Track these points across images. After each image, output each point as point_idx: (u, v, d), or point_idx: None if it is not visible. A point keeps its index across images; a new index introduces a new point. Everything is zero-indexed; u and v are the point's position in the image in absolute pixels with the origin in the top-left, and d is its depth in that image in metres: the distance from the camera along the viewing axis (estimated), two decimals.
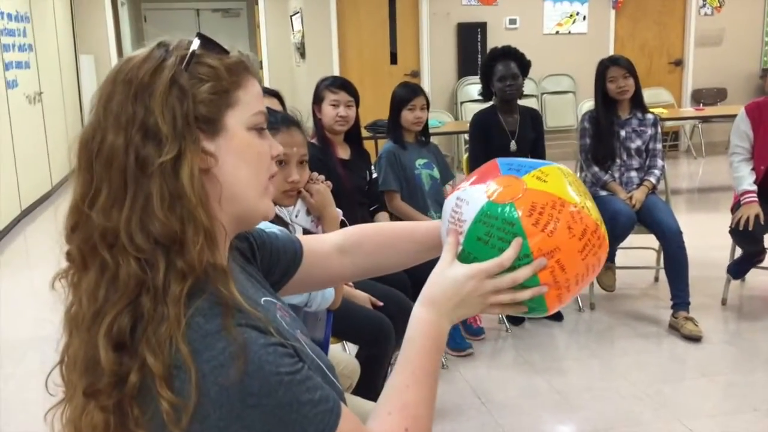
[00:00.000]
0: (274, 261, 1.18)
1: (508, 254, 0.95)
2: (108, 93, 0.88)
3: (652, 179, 3.66)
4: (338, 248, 1.25)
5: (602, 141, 3.66)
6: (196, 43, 0.89)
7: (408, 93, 3.28)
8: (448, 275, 0.99)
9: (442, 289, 0.99)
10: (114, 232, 0.84)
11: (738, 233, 3.52)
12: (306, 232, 2.04)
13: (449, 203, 1.04)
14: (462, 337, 3.27)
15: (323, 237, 1.30)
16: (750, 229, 3.39)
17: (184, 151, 0.85)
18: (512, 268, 0.95)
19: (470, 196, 1.00)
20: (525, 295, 0.96)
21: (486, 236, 0.96)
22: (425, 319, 0.98)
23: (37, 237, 5.75)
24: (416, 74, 8.21)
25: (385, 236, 1.27)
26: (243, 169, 0.92)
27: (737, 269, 3.79)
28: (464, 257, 0.99)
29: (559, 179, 1.00)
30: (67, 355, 0.90)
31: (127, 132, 0.85)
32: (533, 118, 3.70)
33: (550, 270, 0.95)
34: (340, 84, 3.01)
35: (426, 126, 3.39)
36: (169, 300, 0.82)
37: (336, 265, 1.25)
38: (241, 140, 0.91)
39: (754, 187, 3.52)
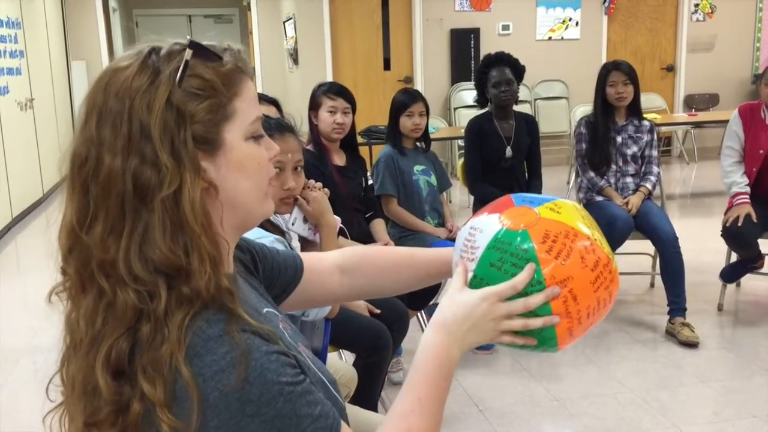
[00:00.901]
0: (275, 275, 1.17)
1: (521, 277, 0.94)
2: (100, 106, 0.84)
3: (648, 185, 3.66)
4: (338, 268, 1.25)
5: (598, 146, 3.65)
6: (188, 53, 0.85)
7: (406, 99, 3.26)
8: (459, 299, 0.97)
9: (453, 313, 0.97)
10: (112, 263, 0.81)
11: (730, 236, 3.52)
12: (303, 239, 2.03)
13: (463, 233, 1.05)
14: None
15: (324, 256, 1.29)
16: (739, 224, 3.39)
17: (184, 181, 0.82)
18: (524, 294, 0.95)
19: (484, 225, 1.01)
20: (537, 323, 0.95)
21: (499, 262, 0.97)
22: (435, 344, 0.96)
23: (28, 245, 5.70)
24: (409, 80, 8.21)
25: (386, 260, 1.27)
26: (243, 182, 0.90)
27: (731, 273, 3.78)
28: (476, 284, 0.99)
29: (571, 212, 1.02)
30: (66, 368, 0.88)
31: (124, 155, 0.82)
32: (529, 123, 3.70)
33: (562, 299, 0.95)
34: (338, 90, 2.97)
35: (426, 132, 3.37)
36: (172, 325, 0.80)
37: (335, 285, 1.25)
38: (240, 153, 0.89)
39: (747, 189, 3.53)
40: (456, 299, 0.98)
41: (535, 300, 0.94)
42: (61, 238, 0.86)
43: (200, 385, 0.78)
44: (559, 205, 1.03)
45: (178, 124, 0.83)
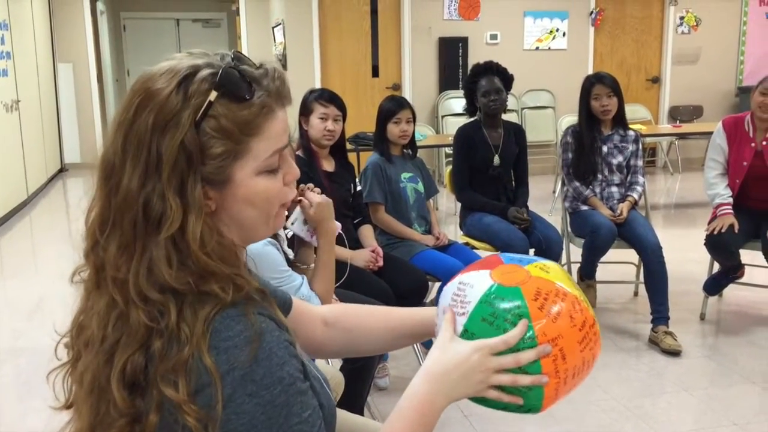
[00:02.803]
0: None
1: (514, 333, 0.95)
2: (128, 124, 0.86)
3: (635, 195, 3.70)
4: (323, 319, 1.27)
5: (584, 156, 3.69)
6: (213, 95, 0.85)
7: (393, 106, 3.27)
8: (451, 348, 0.98)
9: (443, 363, 0.97)
10: (123, 282, 0.85)
11: (712, 245, 3.56)
12: (299, 240, 2.02)
13: (450, 288, 1.05)
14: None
15: (312, 305, 1.32)
16: (723, 231, 3.44)
17: (187, 221, 0.85)
18: (516, 350, 0.96)
19: (474, 280, 1.02)
20: (525, 380, 0.96)
21: (491, 317, 0.98)
22: (420, 392, 0.97)
23: (12, 247, 5.66)
24: (397, 87, 8.25)
25: (367, 317, 1.28)
26: (248, 212, 0.92)
27: (713, 285, 3.83)
28: (466, 338, 0.99)
29: (559, 272, 1.05)
30: (76, 337, 0.92)
31: (140, 182, 0.85)
32: (517, 132, 3.73)
33: (552, 358, 0.96)
34: (330, 97, 2.96)
35: (413, 139, 3.39)
36: (197, 321, 0.83)
37: (318, 334, 1.27)
38: (247, 189, 0.90)
39: (730, 201, 3.58)
40: (447, 347, 0.98)
41: (527, 356, 0.95)
42: (86, 235, 0.90)
43: (214, 357, 0.81)
44: (547, 265, 1.05)
45: (189, 165, 0.85)
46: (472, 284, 1.01)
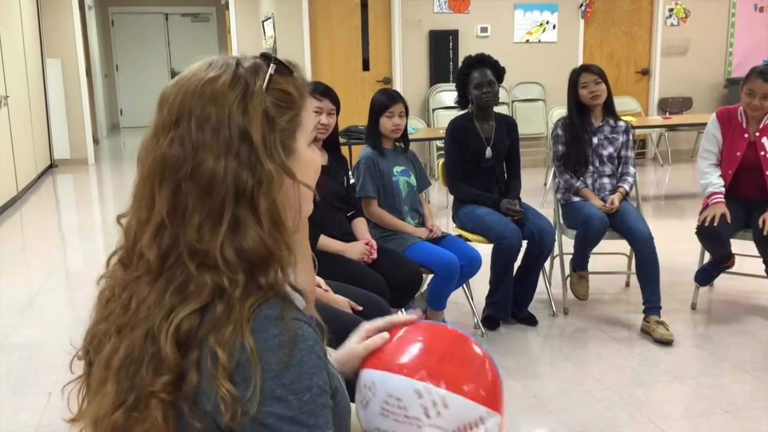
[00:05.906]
0: None
1: None
2: (198, 113, 0.90)
3: (626, 186, 3.72)
4: None
5: (575, 147, 3.70)
6: (272, 68, 0.95)
7: (386, 100, 3.27)
8: None
9: None
10: (205, 252, 0.88)
11: (704, 234, 3.59)
12: None
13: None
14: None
15: None
16: (715, 224, 3.47)
17: (279, 182, 0.90)
18: None
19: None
20: None
21: None
22: None
23: (2, 243, 5.63)
24: (388, 81, 8.24)
25: None
26: (303, 186, 0.98)
27: (704, 275, 3.86)
28: None
29: None
30: (94, 347, 0.94)
31: (226, 158, 0.88)
32: (509, 124, 3.74)
33: None
34: (324, 91, 2.95)
35: (405, 133, 3.39)
36: (244, 307, 0.86)
37: None
38: (305, 159, 0.98)
39: (722, 190, 3.61)
40: None
41: None
42: (145, 230, 0.91)
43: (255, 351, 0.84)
44: None
45: (271, 130, 0.91)
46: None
